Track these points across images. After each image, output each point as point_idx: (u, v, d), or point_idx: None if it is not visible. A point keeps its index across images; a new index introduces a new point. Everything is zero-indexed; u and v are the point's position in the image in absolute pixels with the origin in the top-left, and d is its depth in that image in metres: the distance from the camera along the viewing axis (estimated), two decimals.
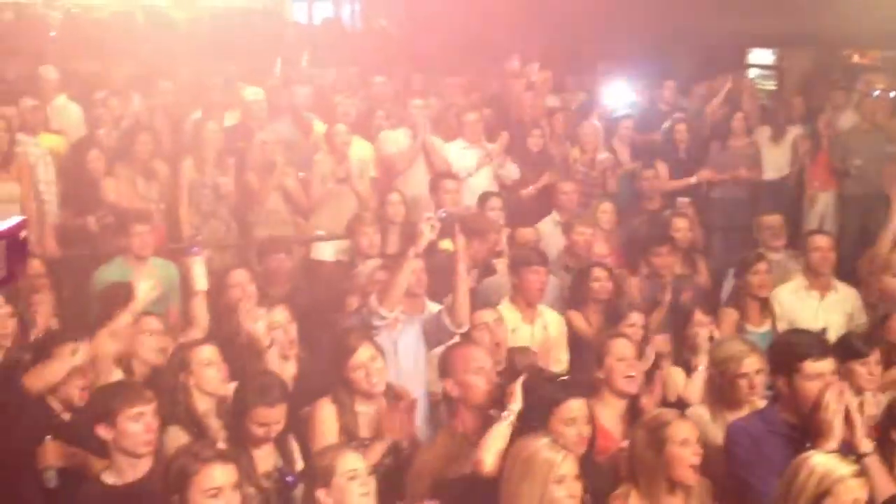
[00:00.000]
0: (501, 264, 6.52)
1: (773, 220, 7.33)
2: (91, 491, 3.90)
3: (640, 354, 5.11)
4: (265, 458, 4.21)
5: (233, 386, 4.48)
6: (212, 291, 5.58)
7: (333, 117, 8.27)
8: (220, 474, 3.47)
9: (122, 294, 5.39)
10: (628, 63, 11.26)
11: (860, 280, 6.67)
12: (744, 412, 4.51)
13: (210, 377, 4.50)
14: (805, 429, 3.84)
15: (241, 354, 4.92)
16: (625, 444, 4.22)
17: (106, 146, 7.84)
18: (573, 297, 6.37)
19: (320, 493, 3.64)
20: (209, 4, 15.58)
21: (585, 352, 5.62)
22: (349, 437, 4.49)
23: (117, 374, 4.83)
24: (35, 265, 5.90)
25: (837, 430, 3.69)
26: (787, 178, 9.59)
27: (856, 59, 12.61)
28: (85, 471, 4.13)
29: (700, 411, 4.68)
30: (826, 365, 3.94)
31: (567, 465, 3.53)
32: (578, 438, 4.00)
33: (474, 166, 8.22)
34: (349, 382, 4.57)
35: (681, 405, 4.84)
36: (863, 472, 3.38)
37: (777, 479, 3.44)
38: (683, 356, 5.45)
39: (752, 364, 4.50)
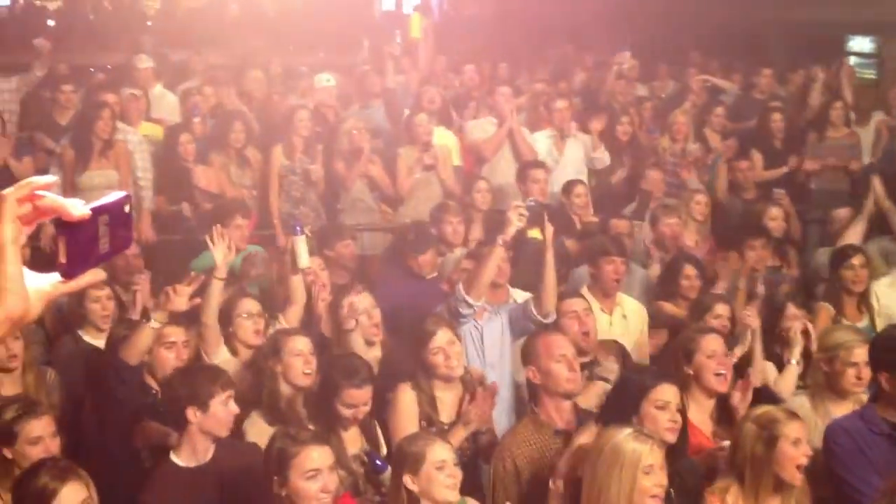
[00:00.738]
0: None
1: (843, 213, 7.15)
2: (164, 472, 3.99)
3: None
4: (352, 442, 4.28)
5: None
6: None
7: (419, 106, 8.28)
8: (318, 456, 3.55)
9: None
10: (722, 51, 11.07)
11: None
12: (847, 404, 4.42)
13: (297, 367, 4.55)
14: None
15: (320, 339, 5.01)
16: (724, 443, 4.15)
17: (201, 134, 7.99)
18: (662, 290, 6.28)
19: (407, 479, 3.69)
20: None
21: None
22: (429, 422, 4.54)
23: (224, 353, 4.97)
24: (132, 248, 6.06)
25: None
26: (871, 166, 9.25)
27: None
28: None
29: (801, 401, 4.58)
30: None
31: (654, 456, 3.50)
32: (671, 425, 3.95)
33: (561, 155, 8.15)
34: (428, 366, 4.62)
35: (770, 400, 4.73)
36: None
37: (878, 479, 3.35)
38: (775, 350, 5.33)
39: (863, 354, 4.39)
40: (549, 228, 5.31)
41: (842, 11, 11.23)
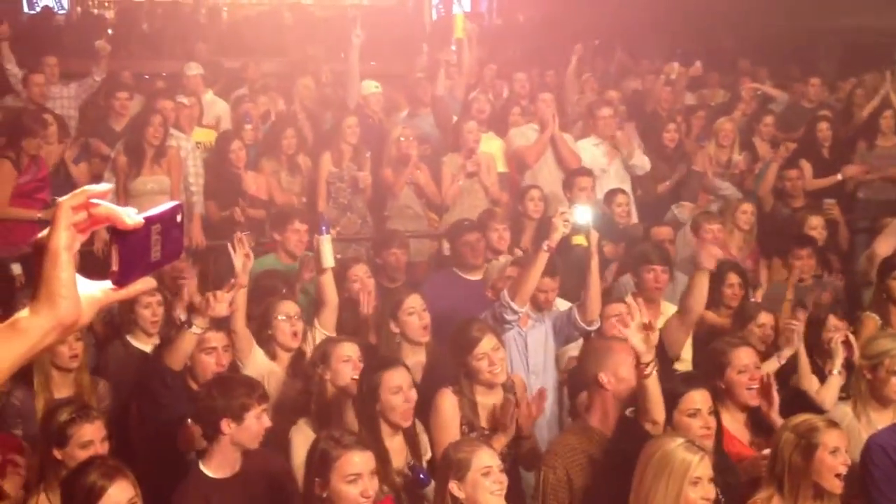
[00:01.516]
0: None
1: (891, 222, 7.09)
2: (195, 483, 4.03)
3: (768, 356, 5.02)
4: (397, 453, 4.28)
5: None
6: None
7: (468, 114, 8.33)
8: (360, 460, 3.59)
9: (272, 285, 5.61)
10: (770, 60, 11.00)
11: None
12: (889, 412, 4.40)
13: (346, 374, 4.59)
14: None
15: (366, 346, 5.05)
16: (765, 451, 4.15)
17: (252, 141, 8.12)
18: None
19: (453, 486, 3.72)
20: (352, 2, 15.93)
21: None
22: (470, 427, 4.56)
23: (259, 356, 5.02)
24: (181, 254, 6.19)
25: None
26: None
27: None
28: None
29: (843, 411, 4.56)
30: None
31: (703, 467, 3.50)
32: (704, 431, 3.96)
33: (607, 162, 8.17)
34: (472, 372, 4.63)
35: (812, 411, 4.71)
36: None
37: None
38: (816, 362, 5.30)
39: None
40: (594, 235, 5.34)
41: (892, 19, 11.08)
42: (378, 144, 8.13)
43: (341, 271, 5.77)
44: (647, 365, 4.00)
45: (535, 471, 4.98)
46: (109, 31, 13.13)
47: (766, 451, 4.19)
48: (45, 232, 1.31)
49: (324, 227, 5.62)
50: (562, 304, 5.76)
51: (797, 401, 4.74)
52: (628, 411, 4.22)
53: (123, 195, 7.08)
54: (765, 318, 5.58)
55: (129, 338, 5.44)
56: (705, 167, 8.01)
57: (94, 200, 1.33)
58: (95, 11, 15.45)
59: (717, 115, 9.44)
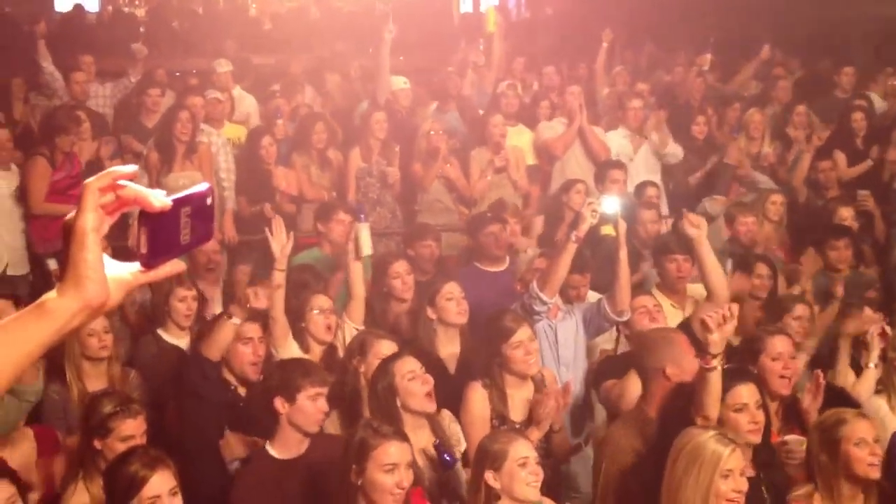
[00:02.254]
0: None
1: None
2: (258, 462, 4.11)
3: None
4: (424, 447, 4.26)
5: None
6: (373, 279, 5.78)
7: (495, 107, 8.33)
8: (396, 451, 3.61)
9: (307, 278, 5.64)
10: (803, 49, 10.90)
11: None
12: None
13: None
14: None
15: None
16: (787, 438, 4.13)
17: (283, 136, 8.15)
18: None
19: (489, 475, 3.72)
20: None
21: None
22: (501, 420, 4.57)
23: (293, 348, 5.05)
24: (213, 245, 6.24)
25: None
26: None
27: None
28: None
29: (878, 403, 4.52)
30: None
31: (734, 460, 3.45)
32: (752, 426, 3.90)
33: (635, 154, 8.13)
34: (507, 361, 4.64)
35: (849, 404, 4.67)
36: None
37: None
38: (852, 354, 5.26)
39: None
40: (623, 224, 5.32)
41: None
42: (407, 139, 8.14)
43: (381, 266, 5.79)
44: (715, 357, 3.86)
45: (566, 463, 5.03)
46: (141, 30, 13.25)
47: (788, 437, 4.18)
48: (72, 214, 1.30)
49: (362, 215, 5.63)
50: (592, 296, 5.75)
51: (836, 395, 4.69)
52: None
53: None
54: (801, 310, 5.52)
55: (160, 332, 5.47)
56: (739, 160, 7.95)
57: (122, 182, 1.31)
58: (126, 10, 15.58)
59: (749, 106, 9.37)
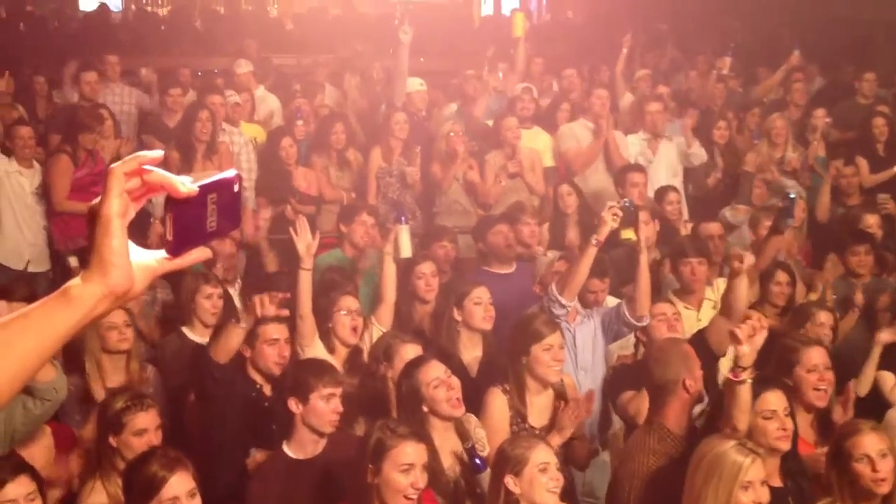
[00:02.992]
0: None
1: None
2: (275, 462, 4.12)
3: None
4: (451, 450, 4.26)
5: None
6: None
7: (510, 110, 8.31)
8: (413, 451, 3.61)
9: (333, 280, 5.65)
10: (824, 54, 10.84)
11: None
12: None
13: None
14: None
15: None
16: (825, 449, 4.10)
17: (303, 136, 8.17)
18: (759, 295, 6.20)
19: (509, 480, 3.70)
20: None
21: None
22: (520, 426, 4.55)
23: (319, 348, 5.04)
24: (230, 247, 6.26)
25: None
26: None
27: None
28: None
29: None
30: None
31: (755, 471, 3.41)
32: (781, 433, 3.86)
33: (654, 157, 8.10)
34: (534, 364, 4.62)
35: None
36: None
37: None
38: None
39: None
40: (644, 229, 5.30)
41: None
42: (423, 141, 8.14)
43: (407, 267, 5.79)
44: (745, 370, 3.80)
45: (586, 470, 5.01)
46: (163, 28, 13.33)
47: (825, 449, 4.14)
48: (97, 200, 1.27)
49: (403, 217, 5.60)
50: (610, 301, 5.74)
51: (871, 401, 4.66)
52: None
53: None
54: (824, 317, 5.45)
55: (185, 329, 5.47)
56: (760, 166, 7.88)
57: (148, 167, 1.29)
58: (149, 9, 15.67)
59: (769, 111, 9.32)
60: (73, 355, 4.78)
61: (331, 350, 5.10)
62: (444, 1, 16.16)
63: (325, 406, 4.09)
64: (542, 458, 3.73)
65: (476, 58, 10.73)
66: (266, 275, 6.35)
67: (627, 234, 5.70)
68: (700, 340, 4.99)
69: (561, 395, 4.67)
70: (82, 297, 1.27)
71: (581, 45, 11.97)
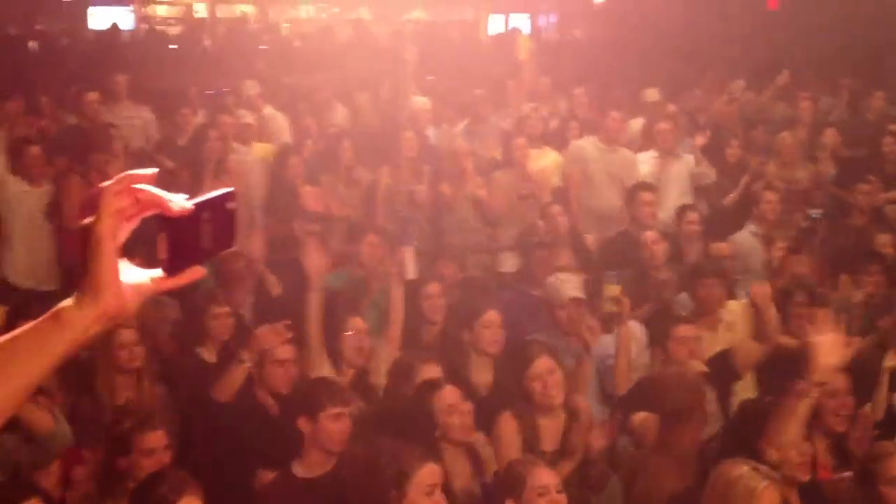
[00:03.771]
0: None
1: None
2: (284, 481, 4.11)
3: None
4: (461, 471, 4.26)
5: None
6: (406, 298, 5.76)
7: (519, 130, 8.31)
8: (434, 472, 3.61)
9: (347, 299, 5.63)
10: (832, 72, 10.83)
11: None
12: None
13: None
14: None
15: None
16: (845, 474, 4.06)
17: (312, 154, 8.18)
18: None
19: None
20: (411, 17, 16.05)
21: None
22: (531, 450, 4.51)
23: (326, 369, 5.03)
24: (239, 262, 6.25)
25: None
26: None
27: None
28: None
29: None
30: None
31: (768, 497, 3.35)
32: (801, 459, 3.84)
33: (665, 176, 8.07)
34: (527, 393, 4.61)
35: None
36: None
37: None
38: None
39: None
40: (626, 302, 5.33)
41: None
42: (435, 159, 8.13)
43: (415, 288, 5.79)
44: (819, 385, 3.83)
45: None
46: (173, 47, 13.38)
47: (845, 475, 4.10)
48: (89, 219, 1.26)
49: (408, 238, 5.58)
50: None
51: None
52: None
53: None
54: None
55: (198, 350, 5.45)
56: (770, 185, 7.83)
57: (140, 186, 1.27)
58: (159, 28, 15.73)
59: (776, 129, 9.31)
60: (84, 373, 4.77)
61: (338, 370, 5.09)
62: (452, 20, 16.19)
63: (334, 425, 4.08)
64: (542, 480, 3.70)
65: (484, 77, 10.75)
66: (271, 299, 6.30)
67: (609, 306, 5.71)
68: (722, 360, 4.97)
69: (576, 418, 4.64)
70: (74, 319, 1.25)
71: (589, 64, 11.96)
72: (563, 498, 3.73)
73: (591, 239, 7.48)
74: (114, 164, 7.55)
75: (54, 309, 1.27)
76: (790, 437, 3.77)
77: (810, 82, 10.84)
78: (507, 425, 4.58)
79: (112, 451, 4.01)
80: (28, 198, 7.24)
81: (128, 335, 4.78)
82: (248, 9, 16.80)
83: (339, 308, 5.42)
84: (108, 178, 1.28)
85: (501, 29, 15.06)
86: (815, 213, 7.28)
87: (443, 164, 8.03)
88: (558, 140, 8.73)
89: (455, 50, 12.88)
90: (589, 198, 7.98)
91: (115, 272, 1.26)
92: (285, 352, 4.77)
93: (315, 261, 5.18)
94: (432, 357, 4.93)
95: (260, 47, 13.49)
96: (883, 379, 5.09)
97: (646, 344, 5.66)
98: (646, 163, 8.15)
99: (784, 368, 4.78)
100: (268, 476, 4.36)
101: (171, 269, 1.30)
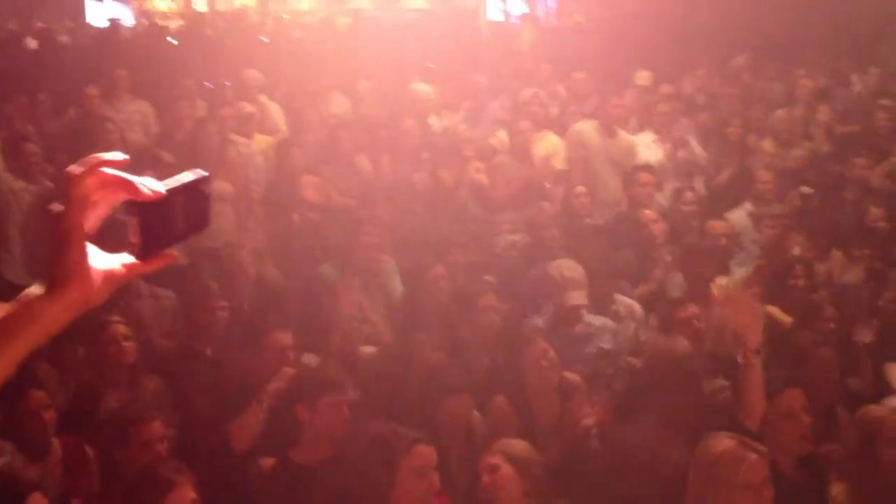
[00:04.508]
0: None
1: None
2: (280, 469, 4.13)
3: None
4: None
5: None
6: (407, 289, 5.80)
7: (521, 114, 8.31)
8: (427, 453, 3.65)
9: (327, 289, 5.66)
10: (828, 50, 10.79)
11: None
12: None
13: None
14: None
15: None
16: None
17: (312, 145, 8.19)
18: (769, 293, 6.16)
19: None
20: (411, 6, 16.03)
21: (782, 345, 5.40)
22: (526, 429, 4.55)
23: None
24: (243, 256, 6.28)
25: None
26: None
27: None
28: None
29: None
30: None
31: (756, 471, 3.34)
32: (801, 432, 3.85)
33: (663, 157, 8.06)
34: (524, 373, 4.66)
35: None
36: None
37: None
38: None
39: None
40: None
41: None
42: (435, 146, 8.14)
43: (420, 271, 5.85)
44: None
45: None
46: (173, 41, 13.38)
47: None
48: (57, 207, 1.21)
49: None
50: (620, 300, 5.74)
51: None
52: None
53: None
54: (831, 311, 5.44)
55: (196, 343, 5.43)
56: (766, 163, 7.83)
57: (109, 170, 1.22)
58: (160, 22, 15.73)
59: (774, 108, 9.29)
60: (77, 367, 4.79)
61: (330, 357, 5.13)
62: (452, 7, 16.15)
63: (332, 413, 4.09)
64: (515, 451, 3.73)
65: (484, 64, 10.75)
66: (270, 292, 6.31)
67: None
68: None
69: (570, 396, 4.67)
70: (42, 309, 1.22)
71: (589, 49, 11.93)
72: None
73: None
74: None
75: (22, 298, 1.23)
76: (753, 405, 3.79)
77: (807, 61, 10.80)
78: (501, 404, 4.62)
79: (107, 443, 4.03)
80: (26, 195, 7.26)
81: (116, 330, 4.78)
82: (248, 1, 16.79)
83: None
84: (116, 163, 1.23)
85: (501, 16, 15.00)
86: (807, 190, 7.27)
87: (443, 151, 8.02)
88: (558, 125, 8.72)
89: (455, 38, 12.87)
90: (590, 182, 7.98)
91: (84, 260, 1.22)
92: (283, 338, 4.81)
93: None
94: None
95: (260, 38, 13.47)
96: (861, 353, 5.09)
97: (644, 322, 5.71)
98: (643, 144, 8.13)
99: None
100: (265, 462, 4.40)
101: (143, 254, 1.27)
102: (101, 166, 1.22)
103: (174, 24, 15.59)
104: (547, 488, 3.83)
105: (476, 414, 4.55)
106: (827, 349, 4.54)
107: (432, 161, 7.95)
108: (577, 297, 5.47)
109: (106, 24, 14.41)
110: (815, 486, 3.87)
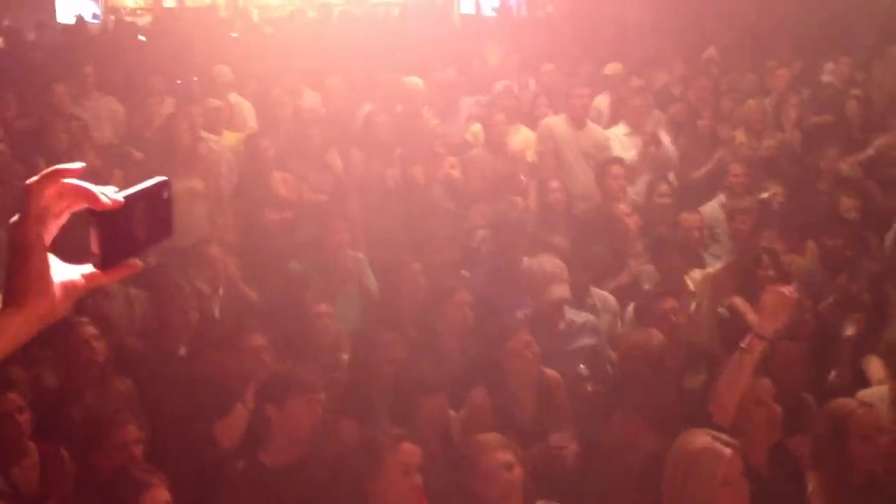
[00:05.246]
0: None
1: None
2: (249, 469, 4.06)
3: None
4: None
5: None
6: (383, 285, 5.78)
7: (494, 107, 8.29)
8: (413, 451, 3.63)
9: (297, 287, 5.63)
10: (800, 39, 10.84)
11: None
12: None
13: None
14: None
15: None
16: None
17: (282, 141, 8.14)
18: (736, 286, 6.18)
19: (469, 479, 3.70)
20: (380, 1, 15.97)
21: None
22: (505, 424, 4.54)
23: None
24: (216, 253, 6.23)
25: None
26: None
27: None
28: None
29: (881, 392, 4.50)
30: None
31: (733, 467, 3.34)
32: (771, 417, 3.87)
33: (635, 153, 8.06)
34: (505, 367, 4.64)
35: None
36: None
37: None
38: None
39: None
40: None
41: None
42: (407, 141, 8.10)
43: (396, 268, 5.83)
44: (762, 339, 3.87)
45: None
46: (141, 38, 13.27)
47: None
48: (15, 219, 1.20)
49: None
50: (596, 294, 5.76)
51: None
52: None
53: None
54: (802, 302, 5.47)
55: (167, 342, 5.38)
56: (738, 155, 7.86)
57: (68, 181, 1.21)
58: (128, 19, 15.60)
59: (745, 98, 9.31)
60: (48, 369, 4.74)
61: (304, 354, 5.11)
62: (423, 2, 16.09)
63: (302, 413, 4.04)
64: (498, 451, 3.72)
65: (455, 56, 10.73)
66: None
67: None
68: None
69: (546, 393, 4.67)
70: (0, 323, 1.20)
71: (559, 40, 11.93)
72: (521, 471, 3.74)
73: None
74: (82, 158, 7.51)
75: None
76: (734, 396, 3.76)
77: (778, 52, 10.84)
78: (480, 400, 4.60)
79: (81, 447, 4.00)
80: None
81: (86, 330, 4.73)
82: None
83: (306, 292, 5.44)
84: (73, 173, 1.21)
85: (472, 9, 14.97)
86: (765, 195, 7.28)
87: (415, 146, 7.99)
88: (528, 118, 8.71)
89: (427, 28, 12.85)
90: (563, 176, 7.96)
91: (45, 273, 1.21)
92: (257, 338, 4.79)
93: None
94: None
95: (231, 35, 13.39)
96: (845, 347, 5.12)
97: (619, 314, 5.72)
98: (616, 138, 8.12)
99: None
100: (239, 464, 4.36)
101: (104, 264, 1.25)
102: (59, 177, 1.21)
103: (143, 21, 15.47)
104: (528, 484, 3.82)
105: (452, 413, 4.53)
106: (788, 343, 4.54)
107: (405, 157, 7.91)
108: (560, 291, 5.46)
109: (73, 20, 14.27)
110: (790, 481, 3.88)
